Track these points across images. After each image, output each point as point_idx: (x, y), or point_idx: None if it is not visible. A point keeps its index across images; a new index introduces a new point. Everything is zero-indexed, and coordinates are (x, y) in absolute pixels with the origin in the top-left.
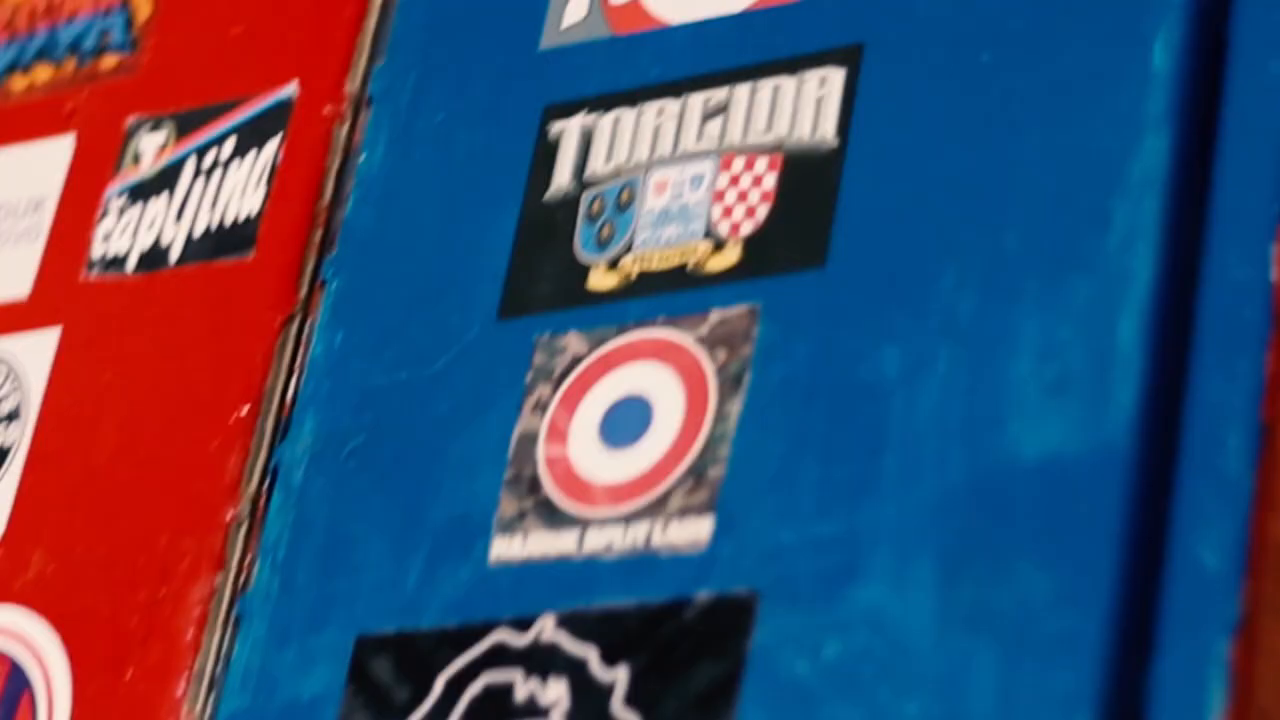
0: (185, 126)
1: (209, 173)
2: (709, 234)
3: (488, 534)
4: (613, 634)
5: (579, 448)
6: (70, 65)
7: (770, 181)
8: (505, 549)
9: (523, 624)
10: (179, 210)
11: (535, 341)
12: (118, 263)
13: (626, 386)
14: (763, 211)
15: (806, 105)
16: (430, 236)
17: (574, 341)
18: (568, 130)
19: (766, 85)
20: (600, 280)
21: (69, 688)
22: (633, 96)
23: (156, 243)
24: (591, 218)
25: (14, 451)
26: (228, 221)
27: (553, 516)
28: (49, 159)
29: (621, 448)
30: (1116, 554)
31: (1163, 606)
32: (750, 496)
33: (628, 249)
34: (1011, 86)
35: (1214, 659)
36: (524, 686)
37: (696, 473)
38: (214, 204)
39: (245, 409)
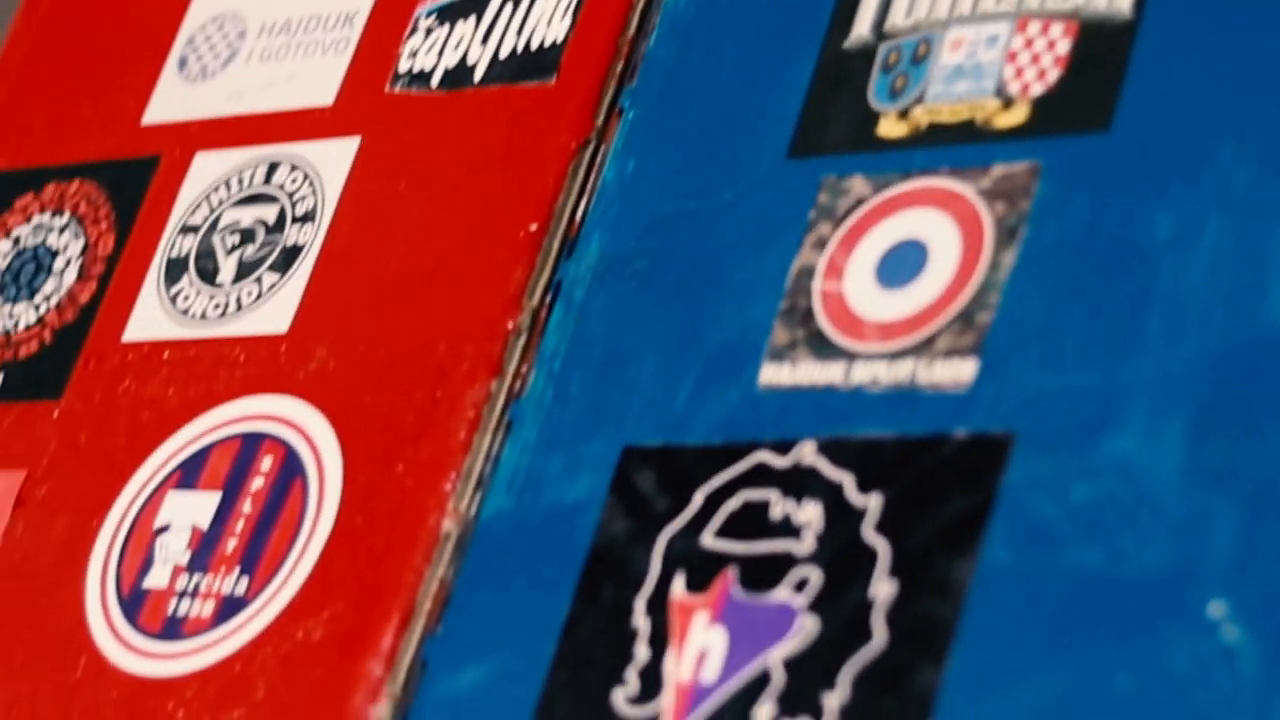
0: None
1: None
2: (999, 92)
3: (758, 360)
4: (870, 463)
5: (854, 285)
6: None
7: (1064, 47)
8: (774, 375)
9: (784, 447)
10: (485, 33)
11: (821, 181)
12: (422, 78)
13: (905, 230)
14: (1053, 75)
15: None
16: (728, 75)
17: (859, 184)
18: None
19: None
20: (890, 128)
21: (340, 478)
22: None
23: (462, 62)
24: (887, 68)
25: (306, 251)
26: (533, 46)
27: (823, 347)
28: None
29: (895, 288)
30: None
31: None
32: (1015, 343)
33: (919, 100)
34: None
35: None
36: (780, 505)
37: (965, 317)
38: (520, 29)
39: (534, 226)
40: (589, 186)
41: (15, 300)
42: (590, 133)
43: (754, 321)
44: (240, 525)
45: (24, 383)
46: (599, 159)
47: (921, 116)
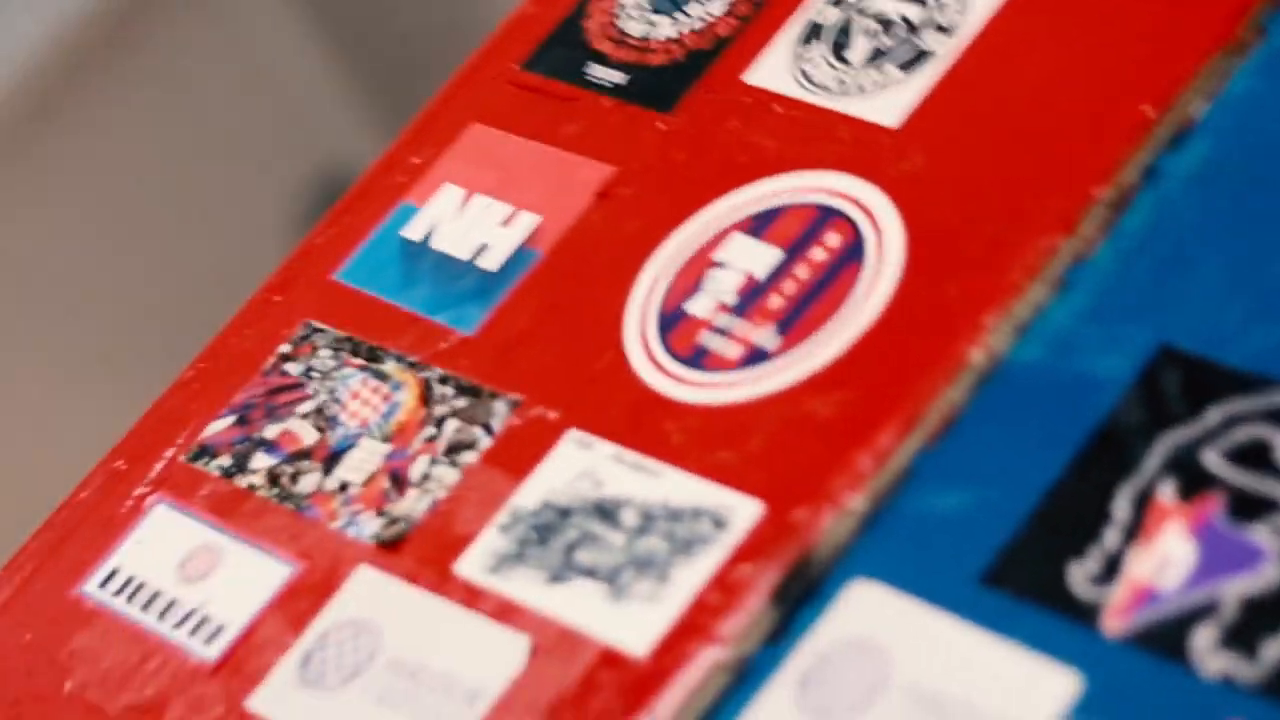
0: None
1: None
2: None
3: None
4: None
5: None
6: None
7: None
8: None
9: None
10: None
11: None
12: None
13: None
14: None
15: None
16: None
17: None
18: None
19: None
20: None
21: (895, 278)
22: None
23: None
24: None
25: (936, 60)
26: None
27: None
28: None
29: None
30: None
31: None
32: None
33: None
34: None
35: None
36: None
37: None
38: None
39: (1151, 111)
40: (1215, 93)
41: (660, 12)
42: (1233, 42)
43: None
44: (791, 287)
45: (644, 89)
46: (1232, 69)
47: None
